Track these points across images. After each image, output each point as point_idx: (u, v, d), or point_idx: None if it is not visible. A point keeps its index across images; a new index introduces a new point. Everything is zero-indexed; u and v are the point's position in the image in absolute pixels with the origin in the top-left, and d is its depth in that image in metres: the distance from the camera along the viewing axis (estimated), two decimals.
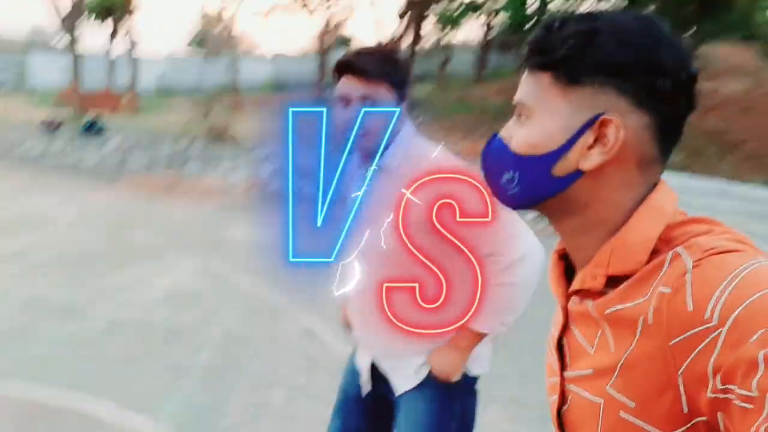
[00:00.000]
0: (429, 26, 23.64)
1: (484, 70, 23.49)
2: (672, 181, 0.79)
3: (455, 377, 1.63)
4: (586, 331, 0.79)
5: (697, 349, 0.63)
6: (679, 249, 0.69)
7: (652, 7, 18.63)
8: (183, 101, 18.83)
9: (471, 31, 26.15)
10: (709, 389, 0.62)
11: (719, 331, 0.61)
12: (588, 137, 0.74)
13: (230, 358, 4.13)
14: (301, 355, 4.22)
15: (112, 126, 14.44)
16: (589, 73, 0.73)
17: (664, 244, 0.72)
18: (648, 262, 0.72)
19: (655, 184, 0.77)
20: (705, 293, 0.63)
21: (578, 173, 0.75)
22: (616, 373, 0.72)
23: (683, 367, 0.64)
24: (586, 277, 0.77)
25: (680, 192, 0.80)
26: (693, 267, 0.66)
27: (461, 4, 18.71)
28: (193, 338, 4.39)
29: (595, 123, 0.73)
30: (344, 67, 1.57)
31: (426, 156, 1.57)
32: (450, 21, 19.19)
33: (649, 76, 0.72)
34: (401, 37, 20.86)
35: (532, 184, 0.77)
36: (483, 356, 1.72)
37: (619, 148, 0.72)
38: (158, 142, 13.53)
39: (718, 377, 0.61)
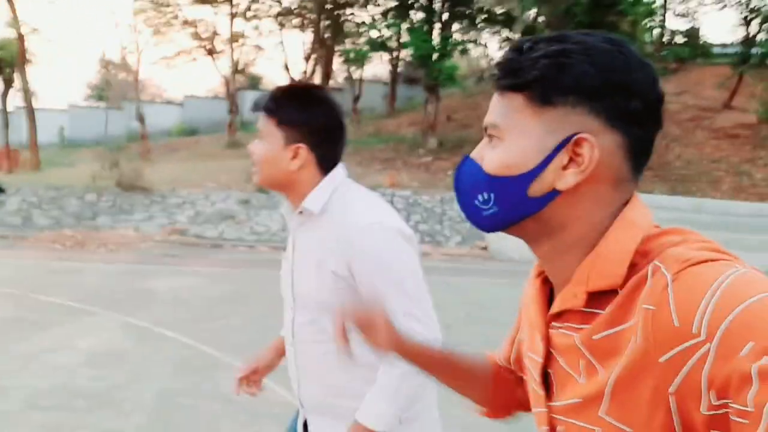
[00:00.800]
0: (337, 64, 24.07)
1: (394, 103, 24.09)
2: None
3: None
4: (571, 359, 0.77)
5: (687, 365, 0.62)
6: (656, 262, 0.69)
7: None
8: (88, 153, 18.10)
9: (379, 66, 26.79)
10: (703, 406, 0.61)
11: (708, 345, 0.60)
12: (562, 157, 0.74)
13: (165, 419, 3.95)
14: (242, 407, 4.10)
15: (12, 184, 13.61)
16: (561, 93, 0.73)
17: (641, 257, 0.72)
18: (629, 277, 0.71)
19: (628, 201, 0.77)
20: (689, 307, 0.63)
21: (554, 193, 0.75)
22: (606, 399, 0.71)
23: (674, 384, 0.63)
24: (567, 296, 0.77)
25: None
26: (672, 280, 0.65)
27: (367, 41, 19.16)
28: (123, 401, 4.17)
29: (569, 143, 0.73)
30: (254, 101, 1.61)
31: (353, 207, 1.53)
32: (357, 58, 19.57)
33: (621, 97, 0.73)
34: (311, 75, 21.08)
35: (509, 204, 0.77)
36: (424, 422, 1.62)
37: (593, 168, 0.73)
38: (64, 197, 12.88)
39: (712, 392, 0.60)
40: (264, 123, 1.54)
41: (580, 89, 0.72)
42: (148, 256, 9.96)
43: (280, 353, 1.83)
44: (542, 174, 0.74)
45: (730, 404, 0.58)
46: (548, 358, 0.81)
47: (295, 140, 1.52)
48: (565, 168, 0.74)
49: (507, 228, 0.80)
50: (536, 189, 0.75)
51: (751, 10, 16.32)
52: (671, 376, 0.63)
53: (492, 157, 0.78)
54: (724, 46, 18.11)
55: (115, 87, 32.96)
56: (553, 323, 0.80)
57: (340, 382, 1.54)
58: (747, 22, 16.68)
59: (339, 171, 1.59)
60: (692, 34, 16.00)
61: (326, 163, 1.56)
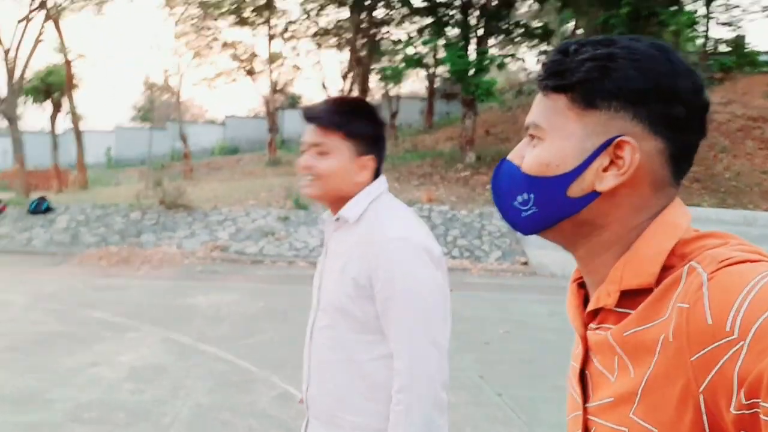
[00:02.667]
0: (374, 81, 24.26)
1: (432, 118, 24.10)
2: None
3: None
4: (605, 358, 0.77)
5: (719, 364, 0.61)
6: (693, 263, 0.69)
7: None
8: (133, 172, 18.64)
9: (416, 82, 26.90)
10: (733, 405, 0.60)
11: (741, 343, 0.59)
12: (603, 159, 0.74)
13: None
14: (278, 423, 4.09)
15: (60, 203, 14.08)
16: (605, 97, 0.74)
17: (678, 259, 0.72)
18: (663, 277, 0.71)
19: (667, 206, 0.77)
20: (723, 305, 0.62)
21: (594, 194, 0.75)
22: (637, 399, 0.70)
23: (705, 383, 0.62)
24: (601, 295, 0.77)
25: None
26: (708, 279, 0.65)
27: (403, 59, 19.28)
28: (162, 416, 4.20)
29: (610, 145, 0.74)
30: (305, 115, 1.58)
31: (384, 221, 1.53)
32: (393, 76, 19.70)
33: (665, 103, 0.73)
34: (349, 92, 21.29)
35: (549, 204, 0.78)
36: None
37: (633, 171, 0.73)
38: (109, 215, 13.25)
39: (743, 391, 0.59)
40: (326, 136, 1.53)
41: (625, 94, 0.73)
42: (190, 273, 10.12)
43: None
44: (582, 175, 0.75)
45: (761, 403, 0.57)
46: (585, 359, 0.81)
47: (363, 152, 1.55)
48: (605, 170, 0.74)
49: (545, 229, 0.81)
50: (576, 190, 0.76)
51: None
52: (702, 375, 0.62)
53: (532, 157, 0.79)
54: None
55: (159, 108, 33.97)
56: (591, 324, 0.80)
57: (342, 393, 1.54)
58: None
59: (381, 182, 1.61)
60: (737, 42, 15.54)
61: (378, 173, 1.60)
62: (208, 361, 5.40)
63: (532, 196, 0.78)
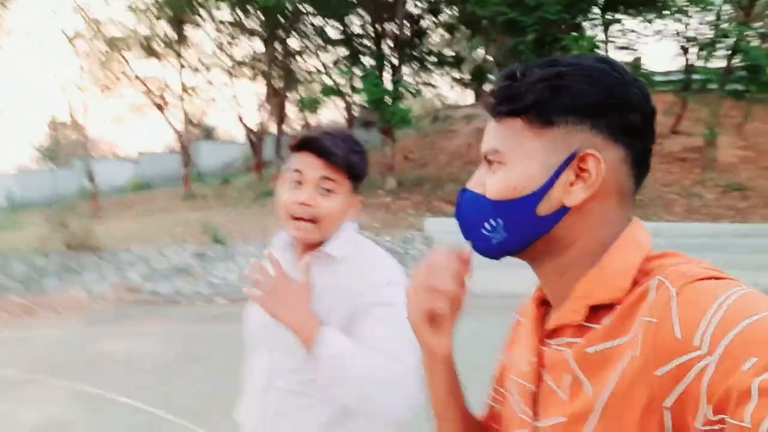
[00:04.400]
0: (292, 111, 24.15)
1: None
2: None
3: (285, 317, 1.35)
4: (557, 377, 0.77)
5: (686, 378, 0.61)
6: (660, 278, 0.69)
7: (492, 76, 20.37)
8: (37, 215, 17.51)
9: (334, 111, 27.00)
10: (699, 420, 0.60)
11: (709, 359, 0.59)
12: (569, 174, 0.75)
13: None
14: None
15: None
16: (561, 113, 0.75)
17: (642, 275, 0.72)
18: (629, 293, 0.72)
19: (629, 221, 0.79)
20: (692, 320, 0.62)
21: (563, 210, 0.76)
22: (595, 416, 0.69)
23: (670, 397, 0.62)
24: (566, 311, 0.77)
25: None
26: (677, 294, 0.65)
27: (322, 90, 19.32)
28: None
29: (573, 159, 0.75)
30: (306, 144, 1.43)
31: (373, 253, 1.50)
32: (311, 105, 19.68)
33: (620, 112, 0.75)
34: (266, 123, 21.08)
35: (519, 226, 0.77)
36: None
37: (600, 182, 0.74)
38: (9, 262, 12.33)
39: (710, 407, 0.59)
40: (336, 173, 1.43)
41: (580, 107, 0.75)
42: (101, 318, 9.52)
43: None
44: (549, 192, 0.76)
45: (727, 419, 0.57)
46: (538, 377, 0.81)
47: (355, 191, 1.50)
48: (572, 185, 0.75)
49: (517, 253, 0.80)
50: (545, 207, 0.76)
51: (688, 39, 17.07)
52: (668, 390, 0.62)
53: (495, 182, 0.78)
54: (666, 74, 18.84)
55: (65, 146, 32.38)
56: (547, 340, 0.80)
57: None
58: (685, 51, 17.41)
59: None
60: (635, 65, 16.62)
61: None
62: (123, 413, 5.03)
63: (500, 221, 0.78)
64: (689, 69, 17.16)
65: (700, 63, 16.95)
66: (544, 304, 0.86)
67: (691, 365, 0.60)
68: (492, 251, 0.81)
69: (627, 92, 0.75)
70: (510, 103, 0.78)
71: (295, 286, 1.37)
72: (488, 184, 0.79)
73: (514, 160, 0.77)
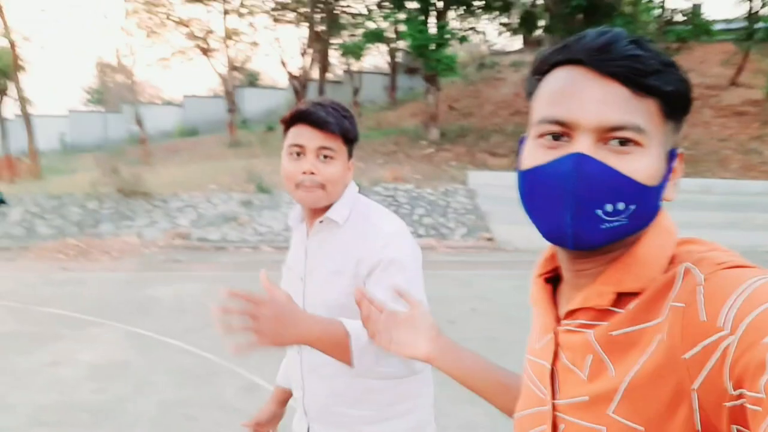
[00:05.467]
0: (335, 57, 23.90)
1: (395, 94, 23.93)
2: None
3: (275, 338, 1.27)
4: (576, 356, 0.76)
5: (711, 360, 0.61)
6: (688, 265, 0.69)
7: (542, 21, 19.63)
8: (89, 158, 18.08)
9: (378, 57, 26.61)
10: (725, 399, 0.61)
11: (732, 338, 0.60)
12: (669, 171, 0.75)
13: (167, 430, 3.88)
14: (244, 415, 4.02)
15: (13, 194, 13.58)
16: (684, 111, 0.74)
17: (669, 262, 0.72)
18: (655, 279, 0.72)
19: None
20: (717, 303, 0.63)
21: (661, 204, 0.75)
22: (617, 398, 0.69)
23: (698, 380, 0.63)
24: (591, 295, 0.75)
25: None
26: (705, 280, 0.66)
27: (363, 34, 19.00)
28: (126, 414, 4.11)
29: (676, 157, 0.74)
30: (301, 117, 1.51)
31: (374, 219, 1.56)
32: (354, 51, 19.41)
33: (687, 112, 0.74)
34: (309, 69, 20.95)
35: (644, 216, 0.72)
36: None
37: None
38: (65, 206, 12.85)
39: (731, 383, 0.60)
40: (333, 141, 1.51)
41: (687, 106, 0.73)
42: (152, 263, 9.90)
43: (282, 403, 1.86)
44: (666, 185, 0.74)
45: (746, 393, 0.58)
46: (554, 355, 0.80)
47: (350, 155, 1.58)
48: (670, 180, 0.75)
49: (614, 242, 0.73)
50: (659, 200, 0.74)
51: None
52: (696, 372, 0.62)
53: (641, 164, 0.71)
54: (727, 21, 17.82)
55: (113, 90, 32.96)
56: (564, 321, 0.79)
57: (341, 390, 1.56)
58: None
59: (353, 183, 1.63)
60: (694, 12, 15.73)
61: None
62: (172, 355, 5.30)
63: (633, 207, 0.70)
64: (752, 17, 16.16)
65: (764, 11, 15.92)
66: (549, 282, 0.85)
67: (716, 346, 0.61)
68: (594, 237, 0.71)
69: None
70: (658, 80, 0.69)
71: (276, 306, 1.29)
72: (632, 164, 0.70)
73: (652, 144, 0.71)
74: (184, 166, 16.71)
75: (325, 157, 1.50)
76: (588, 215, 0.70)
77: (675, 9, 18.03)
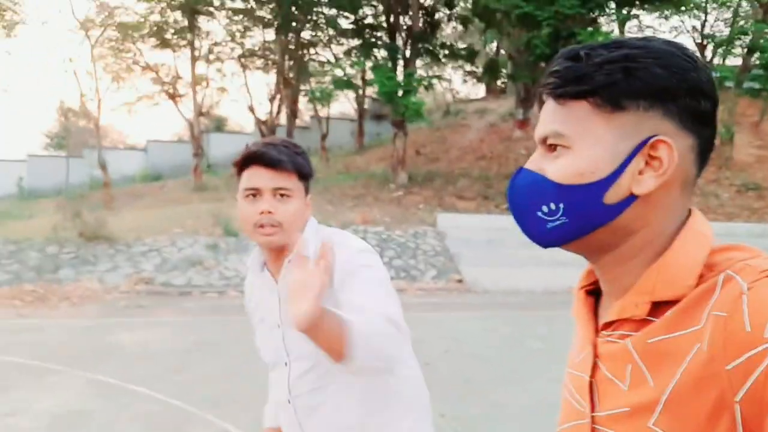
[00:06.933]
0: (303, 103, 24.10)
1: (363, 139, 24.17)
2: None
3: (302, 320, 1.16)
4: (616, 367, 0.75)
5: (756, 371, 0.60)
6: (729, 272, 0.67)
7: (506, 70, 20.25)
8: (49, 204, 17.61)
9: (345, 103, 26.94)
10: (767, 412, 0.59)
11: None
12: (638, 162, 0.72)
13: None
14: None
15: None
16: (633, 97, 0.72)
17: (707, 269, 0.70)
18: (694, 288, 0.70)
19: (688, 211, 0.77)
20: (763, 314, 0.61)
21: (631, 198, 0.73)
22: (659, 409, 0.68)
23: (741, 392, 0.61)
24: (627, 305, 0.74)
25: None
26: (748, 289, 0.64)
27: (332, 80, 19.28)
28: None
29: (644, 146, 0.72)
30: (253, 158, 1.49)
31: (340, 239, 1.53)
32: (322, 97, 19.63)
33: (692, 98, 0.72)
34: (277, 115, 21.06)
35: (583, 213, 0.74)
36: None
37: (672, 171, 0.72)
38: (23, 250, 12.40)
39: None
40: (288, 179, 1.49)
41: (653, 92, 0.71)
42: (114, 309, 9.57)
43: None
44: (619, 180, 0.72)
45: None
46: (593, 367, 0.79)
47: (307, 191, 1.57)
48: (641, 173, 0.72)
49: (574, 240, 0.76)
50: (613, 196, 0.73)
51: (705, 36, 16.92)
52: (739, 384, 0.61)
53: (560, 166, 0.75)
54: None
55: (75, 135, 32.46)
56: (603, 332, 0.78)
57: (345, 419, 1.53)
58: (702, 48, 17.28)
59: (312, 218, 1.62)
60: None
61: None
62: (139, 403, 5.05)
63: (561, 205, 0.75)
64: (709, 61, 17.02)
65: (716, 60, 16.80)
66: (591, 294, 0.85)
67: (762, 358, 0.60)
68: (546, 237, 0.77)
69: (699, 77, 0.72)
70: (576, 84, 0.74)
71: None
72: (550, 168, 0.76)
73: (581, 144, 0.74)
74: (148, 211, 16.40)
75: (282, 196, 1.49)
76: (531, 218, 0.77)
77: None
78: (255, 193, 1.50)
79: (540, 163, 0.78)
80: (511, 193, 0.81)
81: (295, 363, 1.54)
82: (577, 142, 0.74)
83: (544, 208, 0.76)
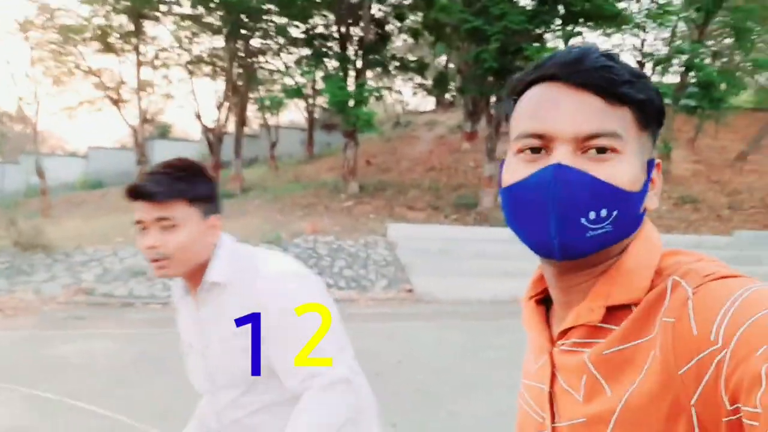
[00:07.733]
0: (251, 111, 23.80)
1: (312, 149, 24.04)
2: None
3: None
4: (570, 377, 0.75)
5: (707, 374, 0.61)
6: (676, 277, 0.69)
7: (455, 83, 20.54)
8: None
9: (295, 112, 26.73)
10: (723, 413, 0.60)
11: (725, 351, 0.59)
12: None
13: None
14: None
15: None
16: (658, 122, 0.75)
17: (656, 274, 0.72)
18: (646, 293, 0.71)
19: None
20: (708, 316, 0.62)
21: (644, 213, 0.75)
22: (614, 418, 0.68)
23: (696, 395, 0.62)
24: (582, 311, 0.74)
25: None
26: (693, 293, 0.65)
27: (282, 89, 19.11)
28: None
29: (654, 166, 0.75)
30: (133, 193, 1.45)
31: (256, 264, 1.51)
32: (271, 106, 19.42)
33: (661, 123, 0.76)
34: (225, 122, 20.71)
35: (627, 222, 0.73)
36: None
37: None
38: None
39: (727, 397, 0.59)
40: (169, 209, 1.43)
41: (660, 117, 0.75)
42: (52, 320, 9.13)
43: None
44: (646, 194, 0.75)
45: (742, 407, 0.57)
46: (551, 378, 0.79)
47: (209, 213, 1.50)
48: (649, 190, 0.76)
49: (598, 251, 0.73)
50: (641, 208, 0.74)
51: (644, 55, 17.66)
52: (692, 388, 0.62)
53: (619, 171, 0.71)
54: None
55: (11, 140, 31.06)
56: (559, 342, 0.78)
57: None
58: (641, 66, 18.01)
59: (225, 235, 1.56)
60: None
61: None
62: (82, 418, 4.82)
63: (615, 213, 0.70)
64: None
65: (655, 78, 17.54)
66: (541, 303, 0.85)
67: (710, 360, 0.60)
68: (580, 246, 0.70)
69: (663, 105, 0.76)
70: (631, 89, 0.71)
71: None
72: (602, 171, 0.70)
73: (629, 151, 0.71)
74: (89, 219, 15.81)
75: (166, 227, 1.44)
76: (572, 224, 0.70)
77: None
78: (143, 226, 1.46)
79: (579, 162, 0.70)
80: (555, 193, 0.69)
81: (223, 392, 1.52)
82: (628, 148, 0.72)
83: (592, 215, 0.69)
